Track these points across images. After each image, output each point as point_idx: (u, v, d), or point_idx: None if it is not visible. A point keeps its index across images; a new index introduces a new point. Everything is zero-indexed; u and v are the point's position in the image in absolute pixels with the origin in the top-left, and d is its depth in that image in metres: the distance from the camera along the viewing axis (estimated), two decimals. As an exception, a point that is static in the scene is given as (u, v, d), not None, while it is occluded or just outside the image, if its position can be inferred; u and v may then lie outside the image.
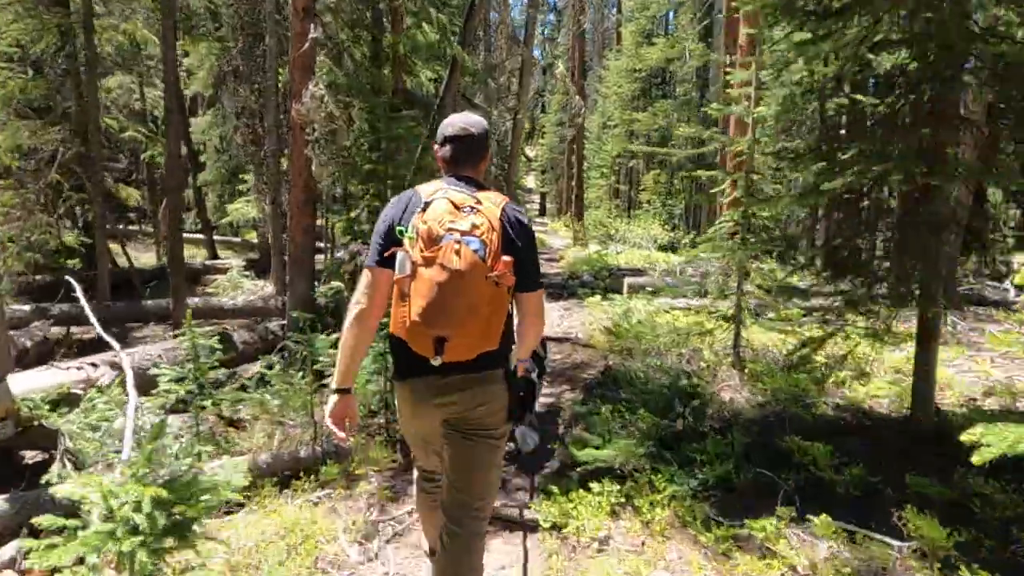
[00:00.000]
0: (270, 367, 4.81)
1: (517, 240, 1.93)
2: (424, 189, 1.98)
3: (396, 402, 2.17)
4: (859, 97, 4.18)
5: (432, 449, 2.18)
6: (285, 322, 6.42)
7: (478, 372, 1.94)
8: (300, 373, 4.58)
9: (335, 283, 6.05)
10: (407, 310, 1.82)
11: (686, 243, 14.72)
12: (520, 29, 19.76)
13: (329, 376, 3.34)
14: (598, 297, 8.45)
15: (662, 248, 14.91)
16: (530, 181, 41.88)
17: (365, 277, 1.98)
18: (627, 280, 8.54)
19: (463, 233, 1.81)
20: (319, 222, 7.81)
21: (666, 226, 16.52)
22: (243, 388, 4.81)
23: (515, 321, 2.10)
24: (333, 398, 2.04)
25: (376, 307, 1.97)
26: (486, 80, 13.39)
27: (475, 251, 1.80)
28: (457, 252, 1.78)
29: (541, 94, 44.91)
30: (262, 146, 10.62)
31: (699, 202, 18.13)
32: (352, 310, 1.98)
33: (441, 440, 2.08)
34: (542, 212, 38.16)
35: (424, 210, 1.87)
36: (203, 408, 3.85)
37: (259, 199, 11.95)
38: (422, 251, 1.81)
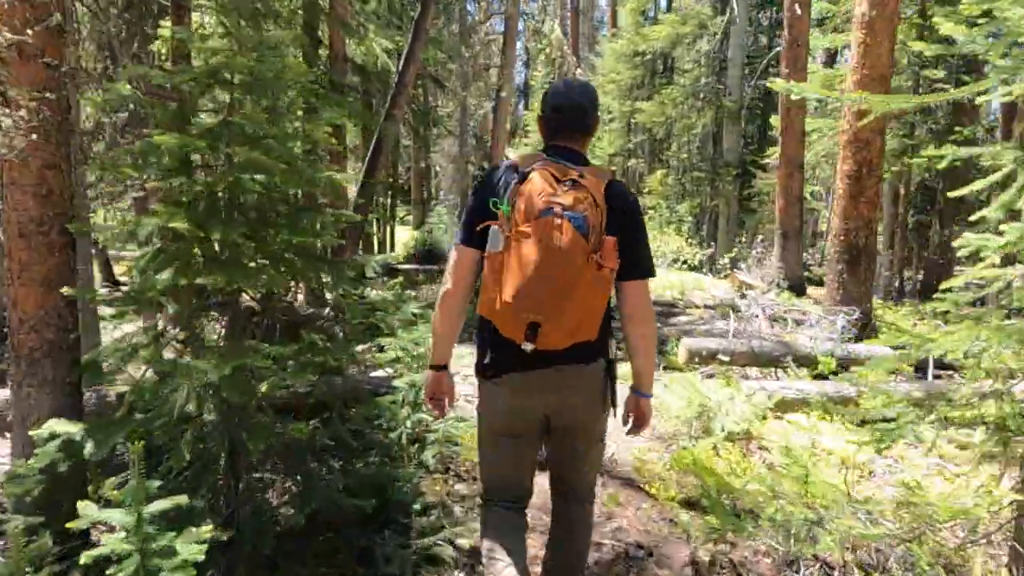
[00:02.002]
0: None
1: (623, 218, 1.75)
2: (522, 160, 1.79)
3: (478, 406, 1.96)
4: None
5: (517, 461, 1.96)
6: None
7: (584, 364, 1.78)
8: None
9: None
10: (498, 290, 1.66)
11: (727, 263, 11.51)
12: None
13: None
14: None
15: (690, 267, 11.69)
16: None
17: (452, 256, 1.84)
18: (686, 344, 5.27)
19: (564, 208, 1.64)
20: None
21: (690, 240, 13.11)
22: None
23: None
24: (429, 374, 1.97)
25: (463, 289, 1.83)
26: (460, 50, 10.38)
27: (577, 227, 1.63)
28: (558, 228, 1.62)
29: (522, 91, 42.05)
30: None
31: (749, 219, 15.00)
32: (440, 291, 1.86)
33: (535, 443, 1.95)
34: None
35: (522, 182, 1.71)
36: None
37: None
38: (518, 225, 1.65)
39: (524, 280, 1.62)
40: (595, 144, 23.00)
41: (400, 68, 9.88)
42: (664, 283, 9.83)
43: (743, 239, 17.58)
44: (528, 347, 1.66)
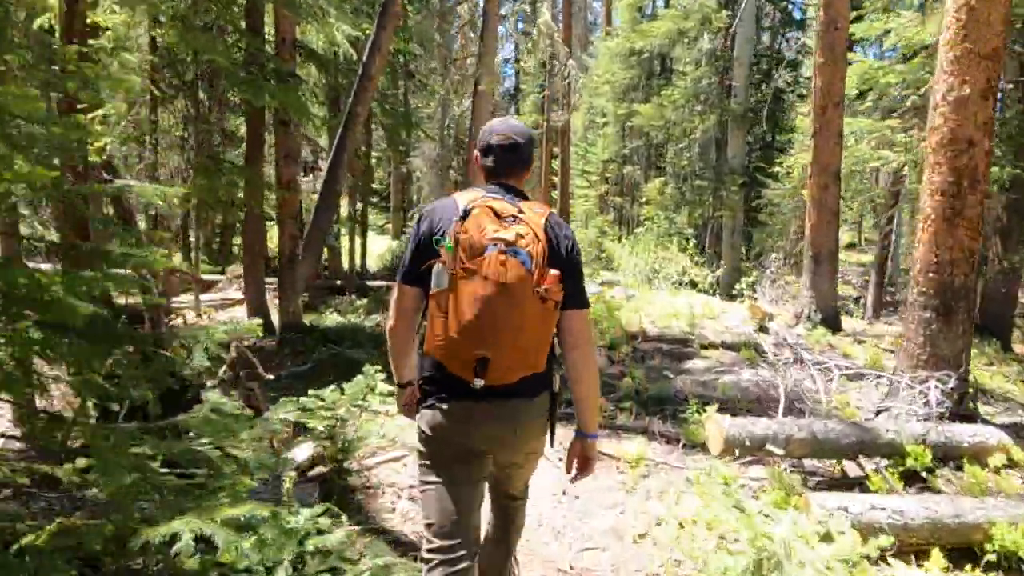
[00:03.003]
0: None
1: (562, 252, 1.80)
2: (461, 197, 1.83)
3: (419, 440, 1.90)
4: None
5: (463, 501, 1.85)
6: None
7: (528, 398, 1.81)
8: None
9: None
10: (445, 328, 1.68)
11: (739, 285, 9.99)
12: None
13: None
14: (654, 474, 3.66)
15: (698, 288, 10.13)
16: None
17: (395, 293, 1.88)
18: (722, 427, 3.62)
19: (508, 244, 1.68)
20: None
21: (695, 256, 11.49)
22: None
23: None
24: (397, 390, 2.04)
25: (408, 322, 1.88)
26: (433, 36, 8.91)
27: (522, 263, 1.67)
28: (503, 263, 1.65)
29: (512, 95, 40.53)
30: None
31: (757, 233, 13.44)
32: (386, 326, 1.94)
33: (480, 481, 1.91)
34: None
35: (464, 219, 1.72)
36: None
37: None
38: (463, 263, 1.67)
39: (471, 317, 1.64)
40: (588, 149, 21.52)
41: (365, 59, 8.41)
42: (668, 309, 8.33)
43: (749, 255, 16.18)
44: (478, 383, 1.67)
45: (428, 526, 1.86)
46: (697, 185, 15.17)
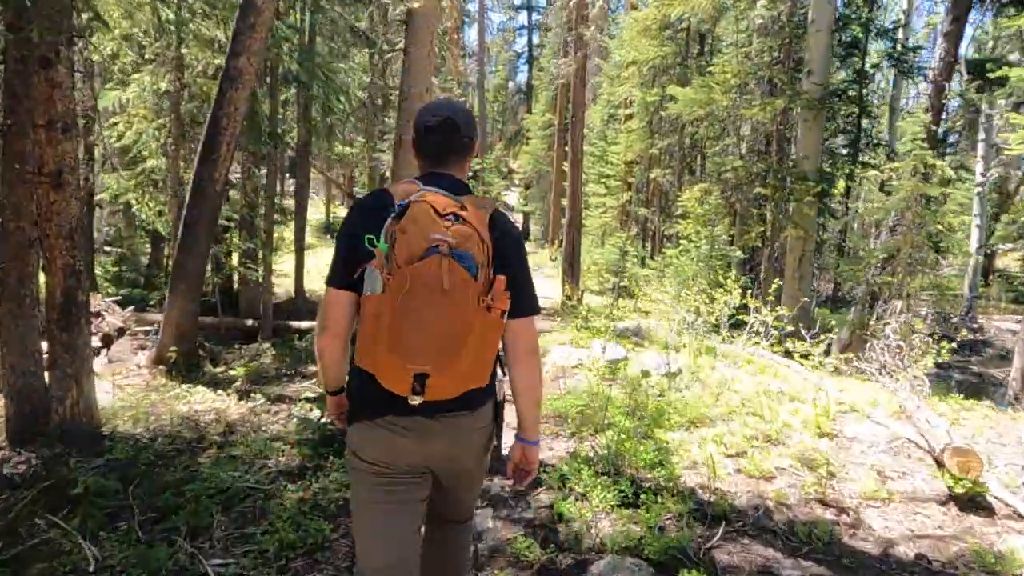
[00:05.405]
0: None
1: (509, 255, 1.63)
2: (396, 190, 1.65)
3: (348, 456, 1.75)
4: None
5: (400, 526, 1.73)
6: None
7: (470, 410, 1.66)
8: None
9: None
10: (379, 339, 1.50)
11: (819, 340, 6.03)
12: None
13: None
14: None
15: (776, 346, 6.09)
16: (511, 198, 34.68)
17: (325, 300, 1.68)
18: None
19: (451, 247, 1.50)
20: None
21: (767, 301, 7.24)
22: None
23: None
24: (329, 398, 1.90)
25: (342, 333, 1.69)
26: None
27: (466, 268, 1.50)
28: (446, 269, 1.47)
29: (525, 92, 36.92)
30: None
31: (841, 264, 9.47)
32: (316, 341, 1.74)
33: (418, 505, 1.77)
34: (524, 236, 30.82)
35: (401, 216, 1.53)
36: None
37: None
38: (399, 267, 1.48)
39: (408, 328, 1.48)
40: (607, 148, 17.71)
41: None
42: (748, 407, 4.54)
43: (815, 290, 12.29)
44: (416, 401, 1.53)
45: (363, 557, 1.77)
46: (755, 194, 11.29)
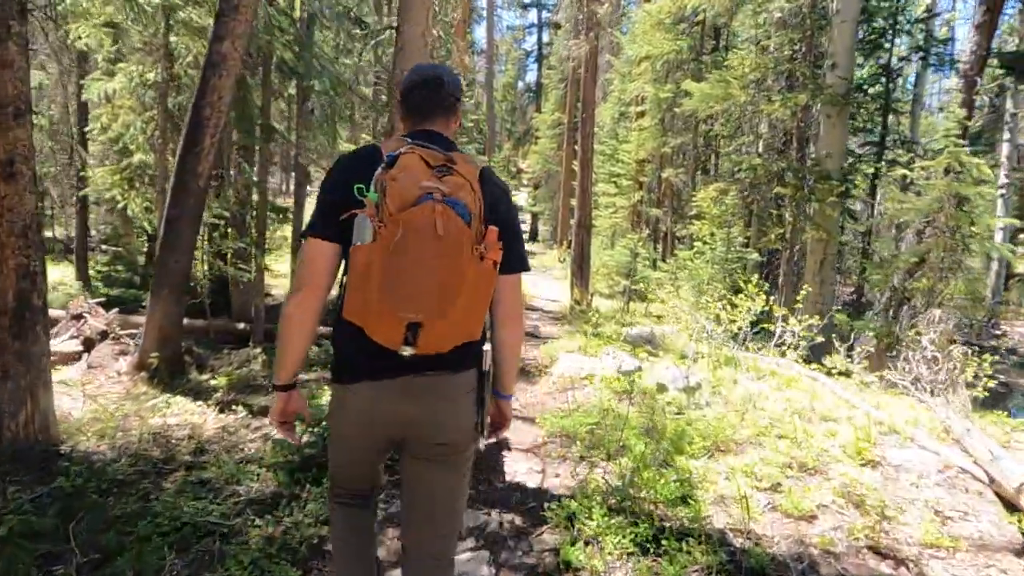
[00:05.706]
0: None
1: (499, 208, 1.60)
2: (385, 144, 1.61)
3: (330, 409, 1.76)
4: None
5: (369, 464, 1.81)
6: None
7: (452, 372, 1.61)
8: None
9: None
10: (370, 288, 1.44)
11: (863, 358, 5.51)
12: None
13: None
14: None
15: (803, 357, 5.52)
16: (520, 198, 34.23)
17: (305, 252, 1.59)
18: None
19: (444, 194, 1.46)
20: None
21: (768, 297, 6.54)
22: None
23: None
24: (277, 396, 1.70)
25: (321, 291, 1.60)
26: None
27: (460, 215, 1.45)
28: (440, 214, 1.42)
29: (535, 91, 36.45)
30: None
31: (867, 269, 8.95)
32: (291, 298, 1.61)
33: (380, 457, 1.82)
34: (533, 237, 30.50)
35: (391, 166, 1.48)
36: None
37: None
38: (391, 214, 1.42)
39: (402, 276, 1.43)
40: (618, 147, 17.20)
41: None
42: (782, 432, 4.03)
43: (837, 294, 11.76)
44: (407, 351, 1.48)
45: (330, 473, 1.86)
46: (774, 194, 10.77)
